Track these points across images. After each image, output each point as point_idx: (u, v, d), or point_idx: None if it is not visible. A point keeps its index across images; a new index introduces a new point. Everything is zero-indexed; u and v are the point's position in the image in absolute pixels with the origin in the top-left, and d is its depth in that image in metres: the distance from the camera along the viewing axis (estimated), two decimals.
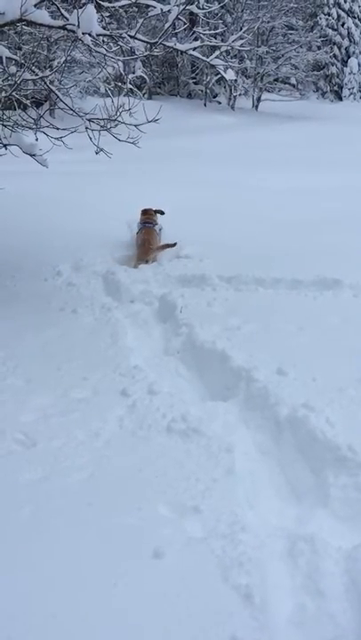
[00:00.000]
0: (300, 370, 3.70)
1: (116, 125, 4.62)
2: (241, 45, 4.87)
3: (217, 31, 5.39)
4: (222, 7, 23.43)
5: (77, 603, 2.19)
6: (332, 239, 6.38)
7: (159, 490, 2.74)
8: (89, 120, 4.59)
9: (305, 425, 3.14)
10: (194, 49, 4.66)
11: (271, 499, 2.84)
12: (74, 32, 3.98)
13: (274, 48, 27.06)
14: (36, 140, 4.60)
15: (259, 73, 27.35)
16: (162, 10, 4.16)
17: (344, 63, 35.55)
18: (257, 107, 28.37)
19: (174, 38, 4.61)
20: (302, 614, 2.15)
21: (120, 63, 5.24)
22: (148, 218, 6.46)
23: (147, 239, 6.15)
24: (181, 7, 4.02)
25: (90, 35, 3.91)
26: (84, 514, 2.60)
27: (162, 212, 6.65)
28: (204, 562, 2.35)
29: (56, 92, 4.52)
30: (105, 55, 4.42)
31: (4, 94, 4.03)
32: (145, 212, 6.55)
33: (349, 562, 2.35)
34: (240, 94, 28.19)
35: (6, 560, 2.37)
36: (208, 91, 27.68)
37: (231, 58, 22.06)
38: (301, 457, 3.07)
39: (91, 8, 3.80)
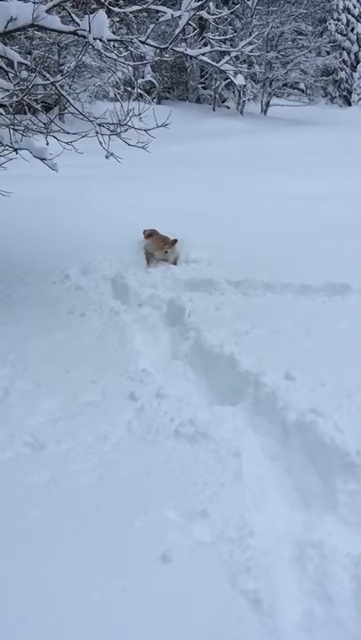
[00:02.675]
0: (308, 375, 3.69)
1: (125, 130, 4.63)
2: (251, 51, 4.88)
3: (226, 37, 5.39)
4: (232, 13, 23.50)
5: (86, 606, 2.19)
6: (342, 244, 6.37)
7: (167, 494, 2.74)
8: (99, 125, 4.61)
9: (313, 430, 3.13)
10: (203, 54, 4.68)
11: (279, 504, 2.83)
12: (85, 37, 4.00)
13: (283, 53, 27.11)
14: (47, 144, 4.61)
15: (268, 78, 27.41)
16: (172, 15, 4.18)
17: (353, 68, 35.59)
18: (266, 111, 28.42)
19: (184, 43, 4.61)
20: (311, 620, 2.15)
21: (130, 68, 5.26)
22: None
23: (163, 236, 6.19)
24: (192, 13, 4.04)
25: (101, 40, 3.93)
26: (92, 517, 2.60)
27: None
28: (212, 566, 2.34)
29: (67, 96, 4.53)
30: (115, 60, 4.43)
31: (15, 99, 4.06)
32: (150, 235, 6.53)
33: (358, 568, 2.34)
34: (249, 99, 28.23)
35: (15, 562, 2.38)
36: (217, 95, 27.73)
37: (240, 63, 22.10)
38: (310, 462, 3.06)
39: (102, 14, 3.82)
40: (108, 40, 4.06)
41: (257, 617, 2.13)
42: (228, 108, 28.39)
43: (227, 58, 4.82)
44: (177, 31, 4.15)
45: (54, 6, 4.04)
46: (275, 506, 2.80)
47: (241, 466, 2.94)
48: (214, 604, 2.19)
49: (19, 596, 2.23)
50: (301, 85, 31.37)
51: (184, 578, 2.30)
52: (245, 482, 2.85)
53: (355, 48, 35.25)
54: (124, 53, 4.87)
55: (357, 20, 34.98)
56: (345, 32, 35.09)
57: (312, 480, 2.96)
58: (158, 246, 6.05)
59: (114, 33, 4.42)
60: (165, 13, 4.21)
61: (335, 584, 2.27)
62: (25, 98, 4.12)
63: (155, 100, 22.83)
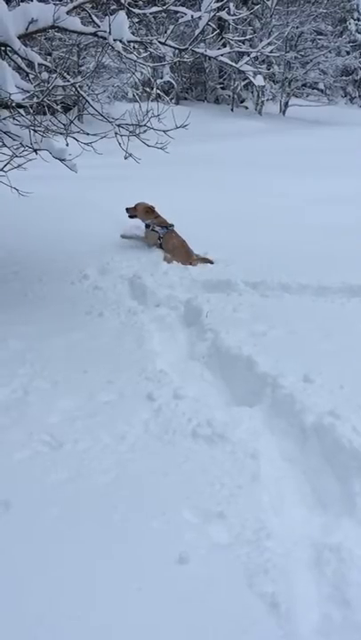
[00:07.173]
0: (326, 377, 3.67)
1: (144, 131, 4.64)
2: (270, 51, 4.87)
3: (246, 37, 5.39)
4: (251, 13, 23.41)
5: (102, 606, 2.19)
6: (359, 246, 6.32)
7: (184, 494, 2.74)
8: (118, 125, 4.63)
9: (331, 433, 3.11)
10: (222, 55, 4.67)
11: (296, 506, 2.81)
12: (105, 38, 4.02)
13: (302, 53, 26.97)
14: (67, 145, 4.64)
15: (287, 78, 27.28)
16: (192, 16, 4.18)
17: None
18: (284, 112, 28.28)
19: (203, 44, 4.63)
20: (328, 624, 2.13)
21: (149, 69, 5.27)
22: (162, 221, 6.47)
23: (186, 247, 6.19)
24: (212, 14, 4.04)
25: (121, 41, 3.95)
26: (109, 516, 2.61)
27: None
28: (229, 568, 2.34)
29: (86, 97, 4.56)
30: (135, 61, 4.45)
31: (35, 100, 4.09)
32: (152, 211, 6.54)
33: None
34: (268, 99, 28.12)
35: (33, 561, 2.39)
36: (235, 96, 27.65)
37: (260, 63, 22.04)
38: (327, 465, 3.04)
39: (122, 15, 3.84)
40: (128, 41, 4.08)
41: (274, 620, 2.12)
42: (247, 108, 28.28)
43: (246, 58, 4.82)
44: (197, 32, 4.16)
45: (75, 8, 4.06)
46: (292, 508, 2.78)
47: (258, 467, 2.93)
48: (231, 606, 2.18)
49: (37, 595, 2.24)
50: (321, 85, 31.17)
51: (200, 579, 2.30)
52: (262, 484, 2.84)
53: None
54: (144, 54, 4.88)
55: None
56: None
57: (330, 483, 2.94)
58: (182, 261, 6.03)
59: (133, 34, 4.44)
60: (185, 14, 4.22)
61: (353, 588, 2.25)
62: (45, 99, 4.14)
63: (173, 101, 22.84)
